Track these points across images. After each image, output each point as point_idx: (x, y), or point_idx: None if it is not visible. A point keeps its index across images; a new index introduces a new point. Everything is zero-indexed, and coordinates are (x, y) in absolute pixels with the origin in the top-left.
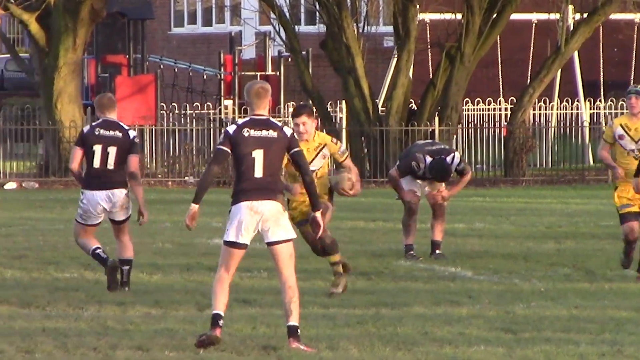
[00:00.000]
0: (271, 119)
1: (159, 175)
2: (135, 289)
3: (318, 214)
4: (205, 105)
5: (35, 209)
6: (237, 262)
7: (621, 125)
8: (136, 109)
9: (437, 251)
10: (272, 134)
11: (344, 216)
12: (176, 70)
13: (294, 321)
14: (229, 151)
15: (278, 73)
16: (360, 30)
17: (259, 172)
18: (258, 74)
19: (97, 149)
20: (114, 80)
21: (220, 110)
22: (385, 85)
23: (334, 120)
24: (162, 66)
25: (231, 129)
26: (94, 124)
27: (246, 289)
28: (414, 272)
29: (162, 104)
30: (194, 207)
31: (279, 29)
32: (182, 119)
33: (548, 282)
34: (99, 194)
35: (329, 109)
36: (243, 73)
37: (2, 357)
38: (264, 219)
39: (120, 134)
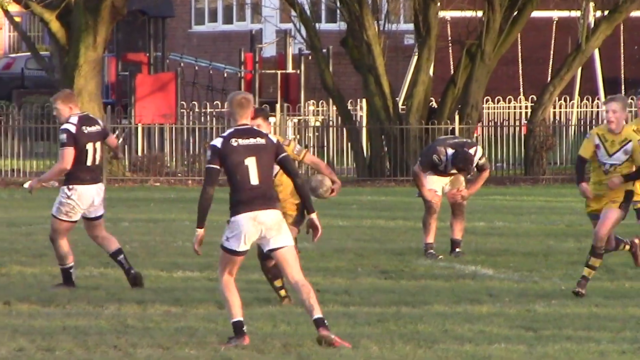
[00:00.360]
0: (255, 127)
1: (179, 174)
2: (156, 287)
3: (314, 216)
4: (225, 103)
5: None
6: (238, 266)
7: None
8: (156, 108)
9: (457, 249)
10: (260, 141)
11: (364, 214)
12: (196, 68)
13: (318, 314)
14: (219, 168)
15: (298, 71)
16: (381, 28)
17: (254, 180)
18: (278, 72)
19: (90, 146)
20: (134, 79)
21: None
22: (406, 83)
23: (354, 118)
24: (182, 64)
25: (218, 142)
26: (76, 122)
27: (267, 288)
28: (434, 270)
29: (182, 102)
30: (200, 232)
31: (300, 27)
32: (203, 118)
33: (568, 281)
34: (92, 189)
35: (349, 107)
36: (263, 71)
37: (22, 355)
38: (268, 228)
39: (100, 128)
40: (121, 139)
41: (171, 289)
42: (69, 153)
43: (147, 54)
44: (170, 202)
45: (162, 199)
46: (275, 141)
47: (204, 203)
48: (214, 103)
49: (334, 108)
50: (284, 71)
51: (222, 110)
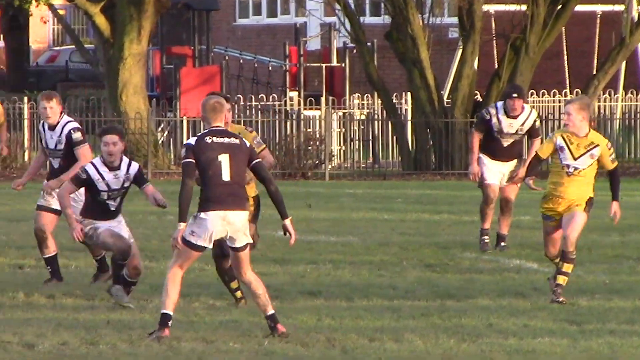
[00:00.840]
0: (229, 130)
1: None
2: (200, 281)
3: (288, 222)
4: (271, 96)
5: None
6: (191, 262)
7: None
8: (201, 101)
9: (502, 244)
10: (235, 140)
11: (409, 208)
12: (241, 61)
13: (272, 310)
14: (195, 162)
15: (343, 64)
16: (426, 22)
17: (226, 176)
18: (323, 65)
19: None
20: (178, 72)
21: (285, 101)
22: (451, 76)
23: (399, 111)
24: (227, 57)
25: (192, 140)
26: (72, 119)
27: (312, 281)
28: (478, 264)
29: (227, 95)
30: (183, 225)
31: (344, 20)
32: (248, 111)
33: (612, 275)
34: None
35: (394, 101)
36: (308, 64)
37: (66, 348)
38: (235, 229)
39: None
40: (166, 132)
41: (215, 283)
42: (89, 150)
43: (192, 47)
44: None
45: None
46: (248, 145)
47: (185, 196)
48: (259, 96)
49: (379, 101)
50: (328, 64)
51: (267, 103)
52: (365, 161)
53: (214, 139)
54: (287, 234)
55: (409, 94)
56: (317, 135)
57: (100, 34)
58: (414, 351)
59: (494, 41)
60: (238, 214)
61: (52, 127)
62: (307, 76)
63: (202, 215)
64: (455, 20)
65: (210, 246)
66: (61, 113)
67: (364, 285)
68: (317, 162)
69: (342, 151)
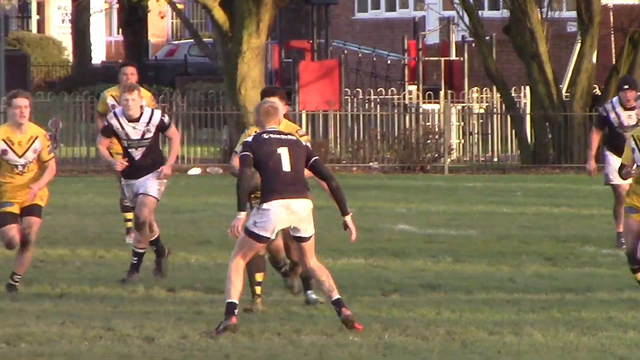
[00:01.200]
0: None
1: (344, 161)
2: None
3: (349, 218)
4: (389, 90)
5: (219, 195)
6: (254, 253)
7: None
8: (320, 94)
9: (622, 239)
10: (291, 137)
11: (528, 201)
12: (360, 55)
13: (337, 295)
14: (252, 155)
15: (462, 58)
16: (544, 16)
17: (287, 167)
18: (442, 59)
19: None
20: (297, 66)
21: (404, 95)
22: (569, 70)
23: (517, 105)
24: (345, 51)
25: (248, 139)
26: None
27: (431, 274)
28: (598, 258)
29: (346, 89)
30: (243, 215)
31: (463, 14)
32: (367, 104)
33: None
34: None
35: (512, 94)
36: (427, 58)
37: (185, 342)
38: (300, 218)
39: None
40: None
41: (335, 276)
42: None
43: (310, 41)
44: None
45: None
46: (304, 144)
47: (244, 185)
48: (378, 90)
49: (498, 95)
50: (447, 58)
51: (386, 97)
52: (484, 155)
53: (271, 135)
54: (348, 229)
55: (527, 87)
56: (436, 129)
57: (219, 28)
58: (534, 345)
59: (612, 35)
60: (301, 202)
61: (135, 119)
62: (426, 70)
63: (265, 205)
64: (573, 14)
65: (273, 237)
66: (141, 105)
67: (484, 279)
68: (436, 155)
69: (461, 145)
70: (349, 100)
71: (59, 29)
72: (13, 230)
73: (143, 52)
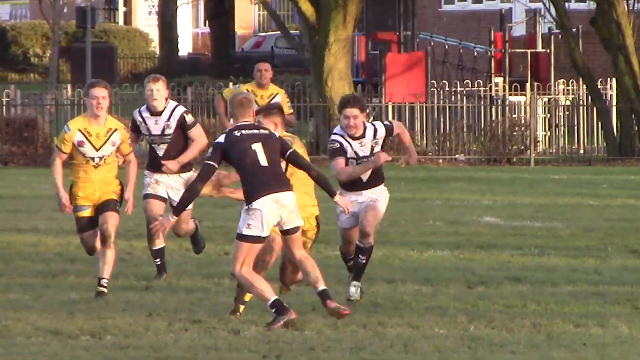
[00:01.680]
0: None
1: (430, 153)
2: (406, 267)
3: (337, 197)
4: (476, 82)
5: None
6: (255, 256)
7: None
8: (407, 86)
9: None
10: (264, 131)
11: (614, 194)
12: (446, 47)
13: (322, 286)
14: (216, 166)
15: (548, 50)
16: (631, 7)
17: (263, 161)
18: (528, 51)
19: None
20: (384, 57)
21: (490, 87)
22: None
23: (604, 97)
24: (432, 43)
25: (221, 138)
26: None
27: (517, 267)
28: None
29: (432, 81)
30: (175, 219)
31: (549, 6)
32: (453, 96)
33: None
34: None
35: (599, 86)
36: (513, 50)
37: (271, 334)
38: (290, 211)
39: None
40: (371, 118)
41: (421, 268)
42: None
43: (397, 33)
44: (420, 181)
45: (412, 177)
46: (277, 136)
47: (191, 197)
48: (464, 82)
49: (584, 87)
50: (533, 50)
51: (472, 89)
52: (570, 147)
53: (243, 132)
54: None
55: (614, 79)
56: (522, 121)
57: (305, 20)
58: (619, 337)
59: None
60: (287, 195)
61: (158, 113)
62: (512, 62)
63: (255, 205)
64: None
65: (267, 234)
66: (167, 99)
67: (569, 271)
68: (522, 147)
69: (547, 137)
70: (435, 92)
71: (146, 21)
72: (93, 236)
73: (230, 44)
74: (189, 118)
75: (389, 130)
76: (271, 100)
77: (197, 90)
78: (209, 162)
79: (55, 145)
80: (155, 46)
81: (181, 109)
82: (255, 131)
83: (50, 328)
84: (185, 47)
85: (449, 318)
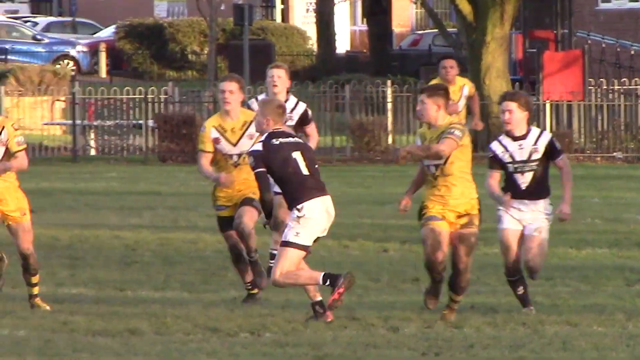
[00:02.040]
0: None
1: (587, 151)
2: (564, 265)
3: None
4: (633, 80)
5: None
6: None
7: None
8: (564, 85)
9: None
10: (296, 139)
11: None
12: (603, 45)
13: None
14: (266, 170)
15: None
16: None
17: (305, 171)
18: None
19: None
20: (541, 55)
21: None
22: None
23: None
24: (589, 41)
25: (257, 146)
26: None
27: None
28: None
29: (589, 79)
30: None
31: None
32: (610, 95)
33: None
34: None
35: None
36: None
37: (430, 331)
38: (330, 220)
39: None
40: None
41: (580, 266)
42: None
43: (554, 31)
44: (579, 179)
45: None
46: (309, 145)
47: (269, 208)
48: (622, 80)
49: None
50: None
51: (630, 87)
52: None
53: (281, 139)
54: None
55: None
56: None
57: (463, 18)
58: None
59: None
60: (330, 200)
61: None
62: None
63: (306, 212)
64: None
65: (311, 244)
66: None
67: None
68: None
69: None
70: (593, 90)
71: (303, 19)
72: (234, 236)
73: (387, 41)
74: (310, 113)
75: (554, 147)
76: (461, 93)
77: (355, 87)
78: (259, 170)
79: (198, 149)
80: (312, 44)
81: (304, 105)
82: (292, 139)
83: (209, 325)
84: (342, 45)
85: (607, 316)
